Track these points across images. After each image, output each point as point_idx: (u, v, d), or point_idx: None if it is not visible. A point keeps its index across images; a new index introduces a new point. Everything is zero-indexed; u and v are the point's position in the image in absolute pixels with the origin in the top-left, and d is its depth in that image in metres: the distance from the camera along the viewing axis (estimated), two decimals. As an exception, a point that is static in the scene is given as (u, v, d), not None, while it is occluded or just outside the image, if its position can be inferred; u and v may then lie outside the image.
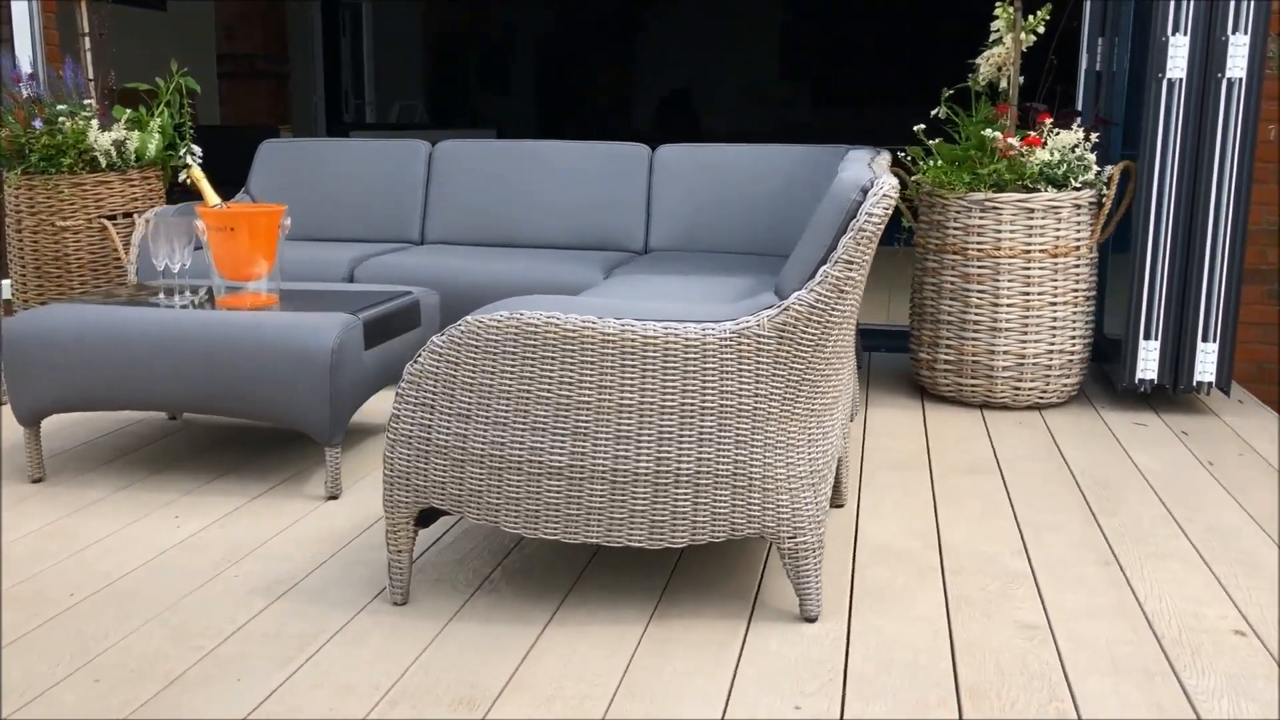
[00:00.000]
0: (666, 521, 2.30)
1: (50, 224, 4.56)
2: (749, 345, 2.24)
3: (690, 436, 2.26)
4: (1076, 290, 3.95)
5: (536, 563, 2.68)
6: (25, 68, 5.14)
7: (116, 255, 4.67)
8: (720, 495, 2.28)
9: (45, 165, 4.53)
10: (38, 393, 3.14)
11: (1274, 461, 3.48)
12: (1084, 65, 4.82)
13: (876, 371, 4.71)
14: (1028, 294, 3.91)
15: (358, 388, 3.12)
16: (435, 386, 2.32)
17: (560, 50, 13.15)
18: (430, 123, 12.19)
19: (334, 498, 3.12)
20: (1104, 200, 3.96)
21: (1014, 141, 3.89)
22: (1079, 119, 4.02)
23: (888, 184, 2.23)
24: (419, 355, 2.34)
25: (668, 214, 4.62)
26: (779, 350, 2.25)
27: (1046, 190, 3.86)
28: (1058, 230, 3.88)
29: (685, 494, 2.28)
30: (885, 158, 3.72)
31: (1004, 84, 4.13)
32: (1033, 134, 3.91)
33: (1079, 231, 3.92)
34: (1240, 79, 3.71)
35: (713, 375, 2.25)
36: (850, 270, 2.23)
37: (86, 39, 4.86)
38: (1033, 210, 3.85)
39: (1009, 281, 3.91)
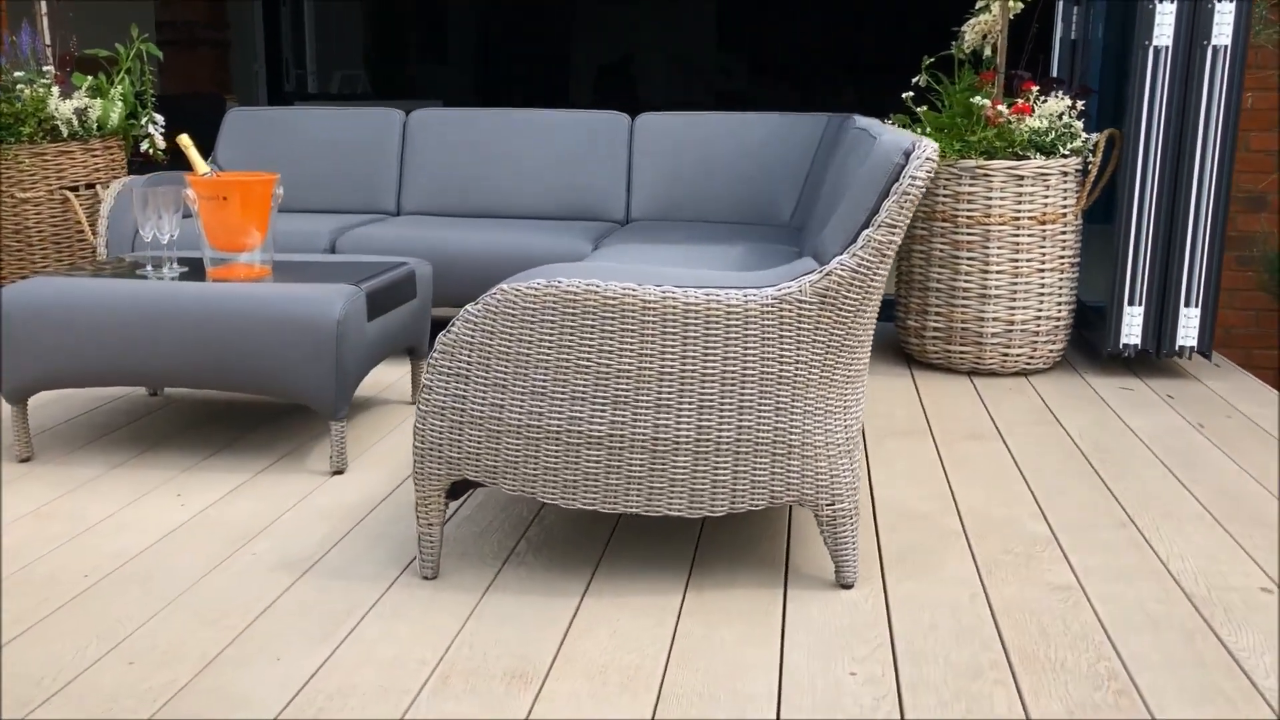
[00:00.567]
0: (706, 490, 2.27)
1: (10, 195, 4.39)
2: (790, 311, 2.22)
3: (731, 404, 2.24)
4: (1063, 257, 3.99)
5: (559, 535, 2.65)
6: (-24, 33, 4.95)
7: (80, 228, 4.52)
8: (760, 463, 2.27)
9: (4, 134, 4.37)
10: (26, 369, 3.03)
11: (1261, 423, 3.54)
12: (1059, 33, 4.86)
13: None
14: (1016, 260, 3.94)
15: (361, 360, 3.05)
16: (470, 356, 2.27)
17: (499, 20, 12.98)
18: (373, 93, 11.98)
19: (339, 472, 3.05)
20: (1090, 167, 4.00)
21: (1003, 109, 3.91)
22: (1062, 87, 4.05)
23: (929, 148, 2.22)
24: (452, 324, 2.29)
25: (648, 183, 4.58)
26: (820, 316, 2.23)
27: (1035, 158, 3.89)
28: (1046, 197, 3.91)
29: (725, 462, 2.26)
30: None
31: (988, 51, 4.14)
32: (1021, 101, 3.93)
33: (1066, 199, 3.95)
34: (1225, 46, 3.76)
35: (754, 342, 2.22)
36: (893, 234, 2.21)
37: (44, 3, 4.68)
38: (1022, 178, 3.88)
39: (998, 248, 3.93)
